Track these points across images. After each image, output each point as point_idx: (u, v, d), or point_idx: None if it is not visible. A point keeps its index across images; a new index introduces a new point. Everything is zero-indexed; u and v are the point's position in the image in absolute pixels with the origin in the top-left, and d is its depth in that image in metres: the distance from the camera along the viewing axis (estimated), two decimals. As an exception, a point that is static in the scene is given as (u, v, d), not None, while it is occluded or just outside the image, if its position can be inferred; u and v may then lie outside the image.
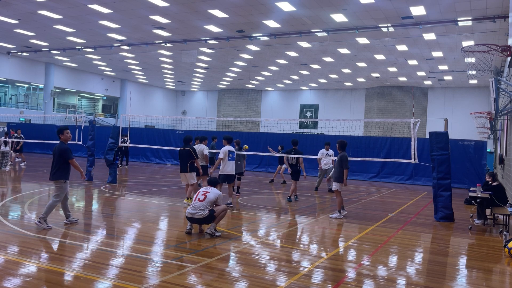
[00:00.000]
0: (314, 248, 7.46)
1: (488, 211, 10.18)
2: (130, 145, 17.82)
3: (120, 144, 16.11)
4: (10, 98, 42.09)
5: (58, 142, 7.95)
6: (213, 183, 8.09)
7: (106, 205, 10.81)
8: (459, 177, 19.92)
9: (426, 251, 7.66)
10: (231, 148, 11.17)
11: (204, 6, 20.45)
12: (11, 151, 19.70)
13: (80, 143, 16.58)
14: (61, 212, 8.23)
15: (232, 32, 24.94)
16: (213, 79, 43.68)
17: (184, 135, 11.81)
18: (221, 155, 11.01)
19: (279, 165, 18.72)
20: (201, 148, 11.95)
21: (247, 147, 15.12)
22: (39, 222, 7.49)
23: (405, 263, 6.60)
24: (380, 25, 22.00)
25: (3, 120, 33.44)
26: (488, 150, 22.27)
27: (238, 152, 13.35)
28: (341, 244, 7.71)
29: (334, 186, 10.43)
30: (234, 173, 11.26)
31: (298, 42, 26.39)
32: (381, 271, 6.02)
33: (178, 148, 11.67)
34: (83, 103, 50.96)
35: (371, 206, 12.84)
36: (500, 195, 10.09)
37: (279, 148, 17.83)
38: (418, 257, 7.13)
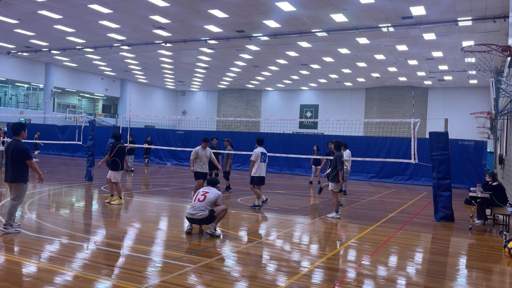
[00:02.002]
0: (314, 248, 7.46)
1: (488, 211, 10.18)
2: (130, 145, 17.79)
3: (145, 146, 16.24)
4: (10, 98, 42.08)
5: (13, 139, 7.20)
6: (212, 183, 8.08)
7: (106, 205, 10.81)
8: (459, 177, 19.91)
9: (426, 251, 7.66)
10: (263, 150, 11.10)
11: (204, 6, 20.45)
12: None
13: (80, 143, 16.60)
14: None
15: (232, 32, 24.94)
16: (213, 79, 43.67)
17: (115, 130, 11.18)
18: (253, 158, 10.93)
19: (314, 166, 18.79)
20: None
21: None
22: (5, 229, 6.95)
23: (405, 263, 6.60)
24: (380, 25, 21.99)
25: (3, 120, 33.43)
26: (488, 150, 22.28)
27: (227, 152, 13.52)
28: (341, 244, 7.72)
29: (330, 186, 10.43)
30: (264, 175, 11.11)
31: (298, 42, 26.38)
32: (381, 271, 6.02)
33: (179, 148, 11.71)
34: (83, 103, 50.96)
35: (371, 206, 12.84)
36: (500, 195, 10.09)
37: (315, 148, 17.67)
38: (418, 257, 7.13)
